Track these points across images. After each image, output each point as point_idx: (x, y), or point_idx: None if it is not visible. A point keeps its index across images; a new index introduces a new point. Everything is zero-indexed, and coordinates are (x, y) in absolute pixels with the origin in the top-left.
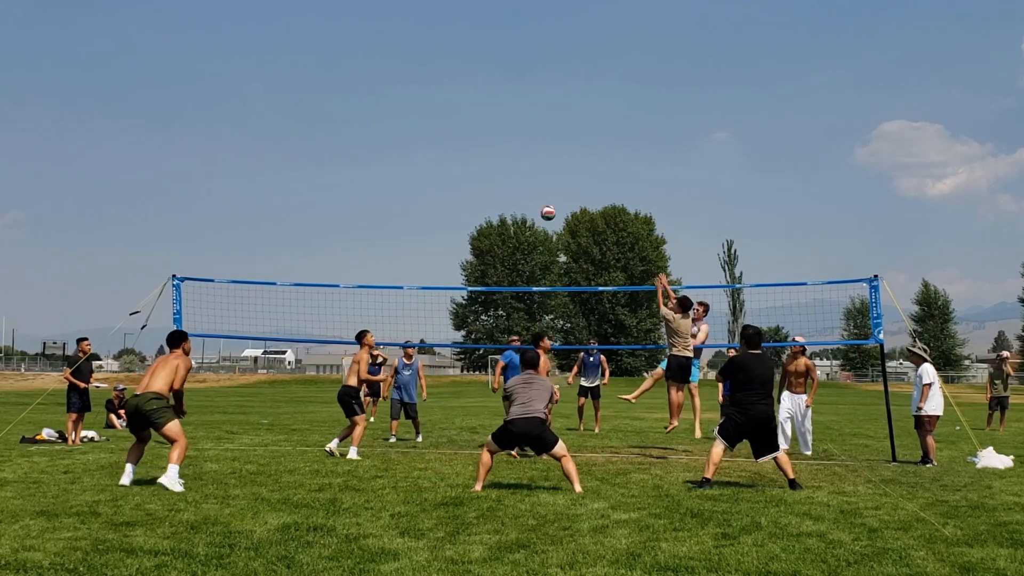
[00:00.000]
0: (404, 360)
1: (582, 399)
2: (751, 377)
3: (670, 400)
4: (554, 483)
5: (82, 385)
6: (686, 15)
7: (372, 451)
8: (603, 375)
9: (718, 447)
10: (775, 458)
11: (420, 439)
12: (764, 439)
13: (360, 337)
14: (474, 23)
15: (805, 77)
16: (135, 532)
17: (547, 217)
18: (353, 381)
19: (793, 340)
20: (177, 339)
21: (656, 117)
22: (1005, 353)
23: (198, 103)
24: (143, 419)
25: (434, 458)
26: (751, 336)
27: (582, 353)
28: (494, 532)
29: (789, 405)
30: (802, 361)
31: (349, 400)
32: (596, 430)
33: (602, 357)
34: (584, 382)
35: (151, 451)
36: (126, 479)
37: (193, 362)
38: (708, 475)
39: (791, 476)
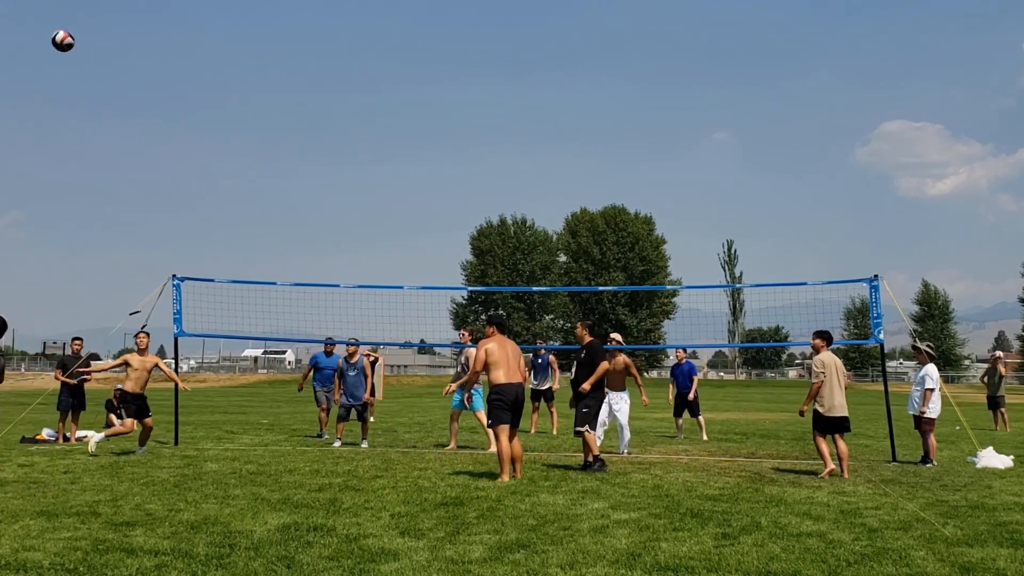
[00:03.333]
0: (348, 360)
1: (535, 403)
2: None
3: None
4: (554, 483)
5: (72, 382)
6: (686, 15)
7: (372, 451)
8: (554, 377)
9: (591, 435)
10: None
11: (365, 444)
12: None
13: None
14: (474, 23)
15: (805, 77)
16: (135, 532)
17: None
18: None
19: (611, 339)
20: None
21: (657, 117)
22: (999, 353)
23: (198, 103)
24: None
25: (434, 458)
26: (593, 326)
27: (531, 355)
28: (494, 532)
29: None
30: (620, 359)
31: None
32: (554, 432)
33: (551, 358)
34: (534, 385)
35: (150, 450)
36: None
37: (193, 362)
38: (596, 453)
39: (596, 454)
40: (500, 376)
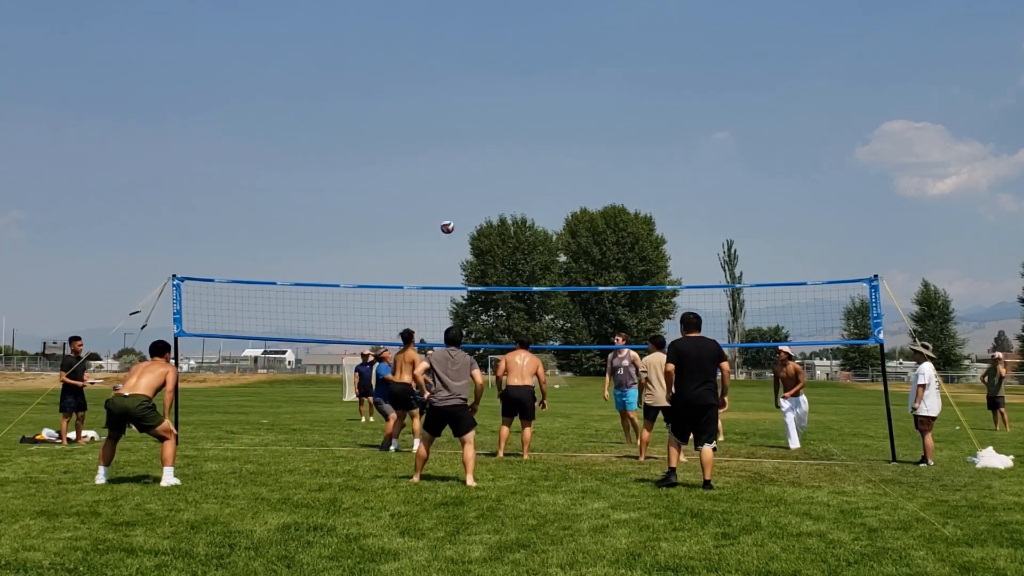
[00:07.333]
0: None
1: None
2: (689, 362)
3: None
4: (554, 483)
5: (79, 383)
6: (687, 15)
7: (372, 451)
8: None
9: (670, 444)
10: (701, 451)
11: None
12: (700, 427)
13: (408, 337)
14: (474, 23)
15: (805, 77)
16: (135, 532)
17: (447, 230)
18: (407, 378)
19: (778, 350)
20: (162, 349)
21: (656, 117)
22: (998, 354)
23: (198, 103)
24: (134, 420)
25: (434, 458)
26: (690, 321)
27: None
28: (494, 532)
29: (788, 407)
30: (791, 367)
31: (408, 397)
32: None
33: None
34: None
35: (151, 450)
36: (101, 479)
37: (193, 362)
38: (672, 464)
39: (707, 477)
40: (510, 379)
